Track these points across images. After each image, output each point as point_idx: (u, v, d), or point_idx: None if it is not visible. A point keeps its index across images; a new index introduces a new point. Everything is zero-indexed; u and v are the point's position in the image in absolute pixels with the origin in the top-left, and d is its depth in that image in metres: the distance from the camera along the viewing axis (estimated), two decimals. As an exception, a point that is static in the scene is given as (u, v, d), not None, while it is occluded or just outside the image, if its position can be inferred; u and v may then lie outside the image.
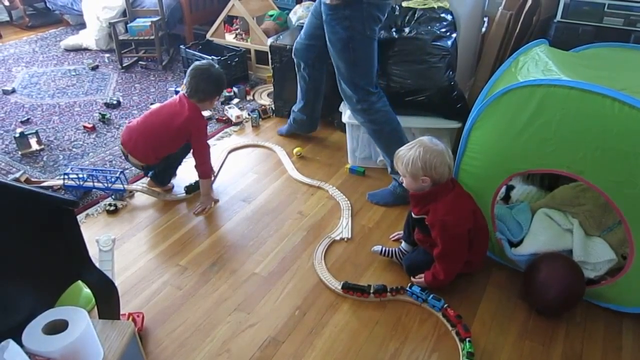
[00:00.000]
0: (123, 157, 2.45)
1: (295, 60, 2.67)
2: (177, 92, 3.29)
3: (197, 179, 2.44)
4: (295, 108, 2.85)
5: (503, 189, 2.14)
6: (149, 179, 2.48)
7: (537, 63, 1.87)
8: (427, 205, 1.77)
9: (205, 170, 2.34)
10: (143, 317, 1.74)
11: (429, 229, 1.78)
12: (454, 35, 2.48)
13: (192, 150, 2.35)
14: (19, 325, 1.06)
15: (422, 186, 1.75)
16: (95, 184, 2.36)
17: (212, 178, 2.48)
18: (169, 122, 2.25)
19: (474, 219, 1.77)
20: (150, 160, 2.32)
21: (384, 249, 2.02)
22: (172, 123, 2.24)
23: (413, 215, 1.86)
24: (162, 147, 2.29)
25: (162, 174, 2.45)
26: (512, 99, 1.68)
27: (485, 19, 3.11)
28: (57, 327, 1.06)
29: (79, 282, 1.30)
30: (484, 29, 3.11)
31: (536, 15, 2.59)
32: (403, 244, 2.01)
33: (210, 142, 2.90)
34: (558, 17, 2.41)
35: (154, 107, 2.36)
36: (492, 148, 1.80)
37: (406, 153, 1.75)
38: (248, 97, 3.46)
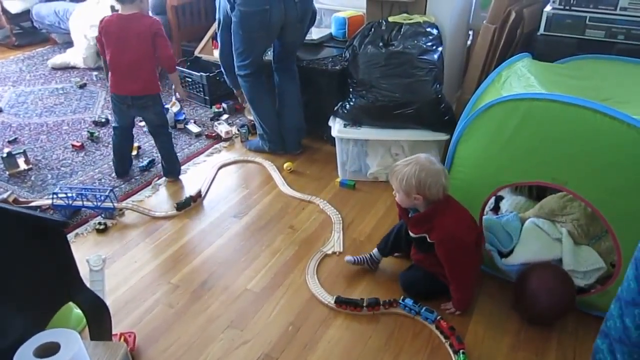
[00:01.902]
0: (124, 107, 2.51)
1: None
2: (166, 110, 3.29)
3: (187, 195, 2.44)
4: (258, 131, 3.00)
5: (492, 200, 2.16)
6: (164, 179, 2.69)
7: (520, 78, 1.90)
8: (427, 224, 1.76)
9: (175, 62, 2.52)
10: (135, 337, 1.72)
11: (434, 246, 1.75)
12: (440, 49, 2.51)
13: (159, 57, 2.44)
14: (10, 349, 1.04)
15: (415, 203, 1.75)
16: (85, 202, 2.35)
17: (199, 194, 2.52)
18: (138, 31, 2.35)
19: (476, 225, 1.80)
20: (151, 80, 2.44)
21: (355, 258, 2.03)
22: (140, 29, 2.35)
23: (412, 234, 1.84)
24: (147, 59, 2.40)
25: (168, 161, 2.65)
26: (496, 113, 1.71)
27: (470, 33, 3.16)
28: (48, 350, 1.05)
29: (70, 302, 1.29)
30: (469, 42, 3.16)
31: (520, 29, 2.63)
32: (375, 250, 2.03)
33: (200, 158, 2.93)
34: (541, 30, 2.45)
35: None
36: (478, 162, 1.82)
37: (402, 169, 1.73)
38: (244, 106, 3.45)
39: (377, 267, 2.04)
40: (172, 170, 2.70)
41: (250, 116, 3.37)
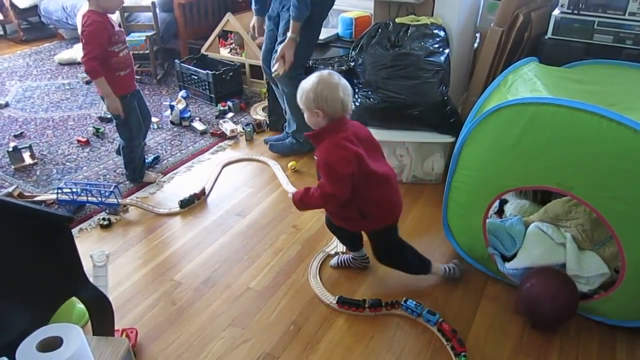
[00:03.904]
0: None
1: (265, 72, 2.86)
2: (171, 107, 3.30)
3: (191, 193, 2.44)
4: (289, 130, 2.90)
5: (496, 203, 2.16)
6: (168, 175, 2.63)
7: (526, 82, 1.90)
8: (319, 143, 1.70)
9: (87, 68, 2.26)
10: (137, 333, 1.73)
11: None
12: (446, 51, 2.51)
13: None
14: (13, 343, 1.05)
15: (318, 121, 1.68)
16: (89, 198, 2.36)
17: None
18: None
19: (360, 164, 1.66)
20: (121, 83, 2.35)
21: (338, 262, 2.05)
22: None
23: (315, 157, 1.76)
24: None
25: (129, 164, 2.58)
26: (502, 117, 1.70)
27: (478, 35, 3.15)
28: (51, 345, 1.05)
29: (73, 297, 1.29)
30: (476, 45, 3.15)
31: (527, 32, 2.62)
32: (351, 253, 2.04)
33: (204, 156, 2.93)
34: (549, 34, 2.44)
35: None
36: (483, 166, 1.82)
37: (304, 85, 1.68)
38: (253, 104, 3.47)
39: (367, 263, 2.04)
40: (128, 175, 2.66)
41: (256, 115, 3.39)
